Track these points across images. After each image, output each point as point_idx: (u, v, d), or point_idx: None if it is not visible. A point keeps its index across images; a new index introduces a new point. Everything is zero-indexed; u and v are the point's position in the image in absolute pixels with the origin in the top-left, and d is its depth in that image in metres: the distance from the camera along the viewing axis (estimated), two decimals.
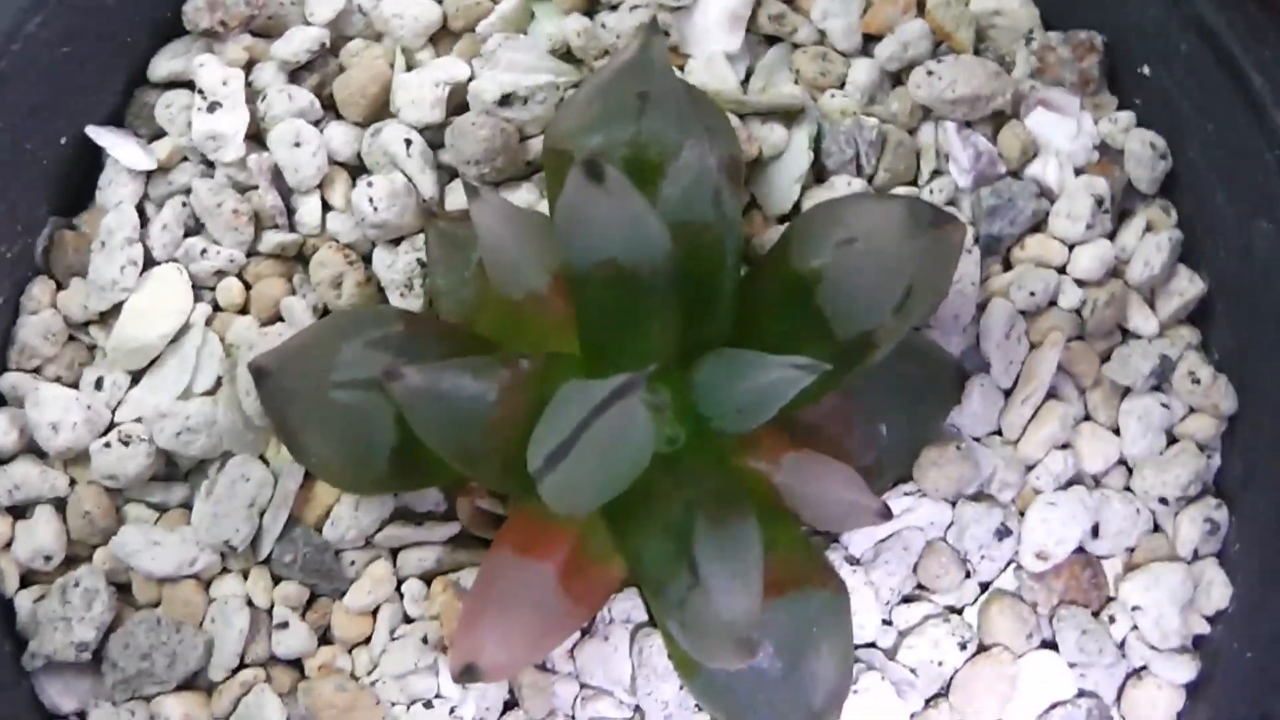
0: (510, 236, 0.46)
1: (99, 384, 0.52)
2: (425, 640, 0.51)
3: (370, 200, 0.51)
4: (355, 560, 0.51)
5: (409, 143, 0.52)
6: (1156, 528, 0.52)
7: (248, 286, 0.53)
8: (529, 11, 0.55)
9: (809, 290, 0.46)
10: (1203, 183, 0.52)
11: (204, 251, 0.52)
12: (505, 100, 0.52)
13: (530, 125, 0.53)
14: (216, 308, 0.53)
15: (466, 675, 0.45)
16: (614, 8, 0.54)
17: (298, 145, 0.52)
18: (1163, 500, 0.51)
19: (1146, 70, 0.53)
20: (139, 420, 0.52)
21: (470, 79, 0.53)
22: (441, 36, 0.55)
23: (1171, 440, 0.53)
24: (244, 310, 0.53)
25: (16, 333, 0.52)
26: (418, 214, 0.52)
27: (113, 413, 0.52)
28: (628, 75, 0.48)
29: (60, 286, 0.53)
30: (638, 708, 0.51)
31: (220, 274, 0.53)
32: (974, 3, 0.54)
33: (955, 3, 0.53)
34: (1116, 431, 0.53)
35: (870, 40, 0.54)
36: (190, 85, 0.53)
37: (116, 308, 0.52)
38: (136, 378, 0.53)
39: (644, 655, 0.51)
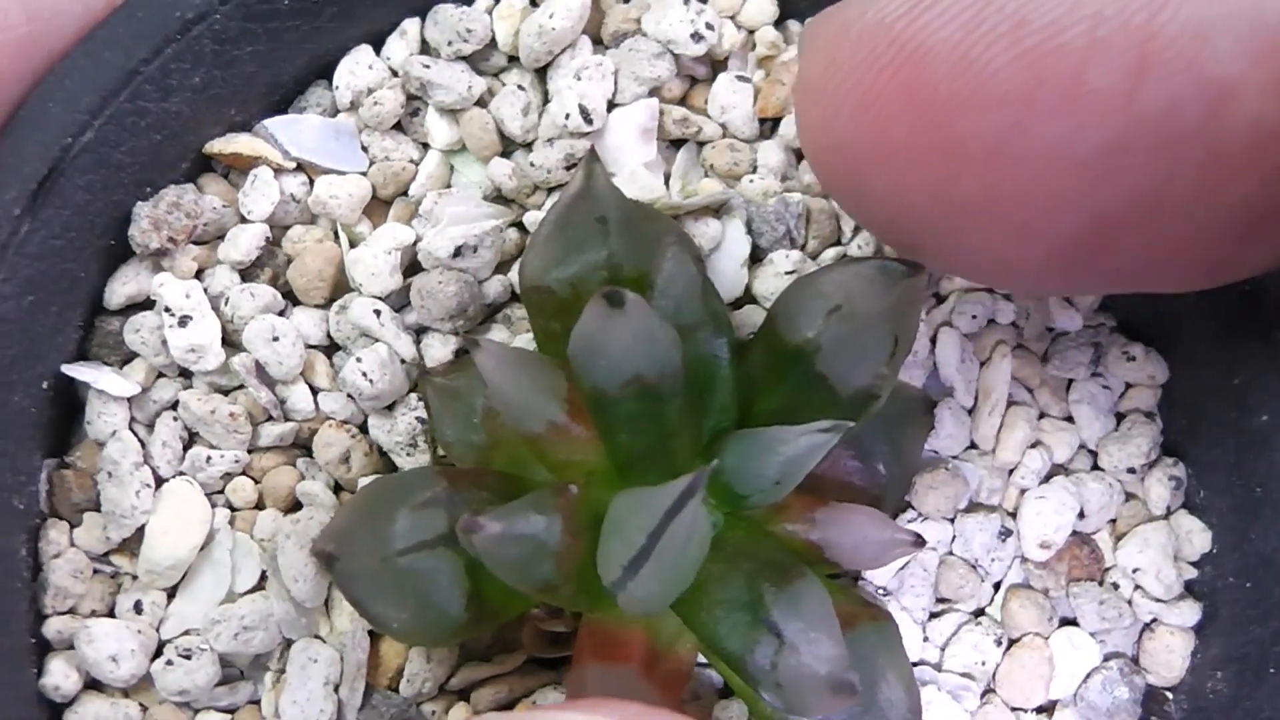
0: (518, 376, 0.49)
1: (138, 607, 0.53)
2: None
3: (365, 375, 0.53)
4: (435, 710, 0.54)
5: (378, 313, 0.55)
6: (1129, 496, 0.58)
7: (255, 481, 0.55)
8: (449, 166, 0.58)
9: (808, 360, 0.50)
10: None
11: (208, 459, 0.54)
12: (458, 253, 0.55)
13: (482, 270, 0.56)
14: (232, 508, 0.55)
15: None
16: (527, 146, 0.57)
17: (276, 339, 0.54)
18: (1130, 470, 0.57)
19: None
20: (187, 633, 0.54)
21: (416, 240, 0.56)
22: (372, 207, 0.58)
23: (1119, 416, 0.58)
24: (259, 505, 0.55)
25: (47, 579, 0.53)
26: (404, 376, 0.55)
27: (158, 632, 0.54)
28: (581, 204, 0.52)
29: (72, 525, 0.55)
30: None
31: (227, 476, 0.55)
32: None
33: None
34: (1069, 419, 0.58)
35: (765, 123, 0.59)
36: (144, 306, 0.55)
37: (138, 532, 0.54)
38: (171, 593, 0.54)
39: None
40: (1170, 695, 0.57)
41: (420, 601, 0.50)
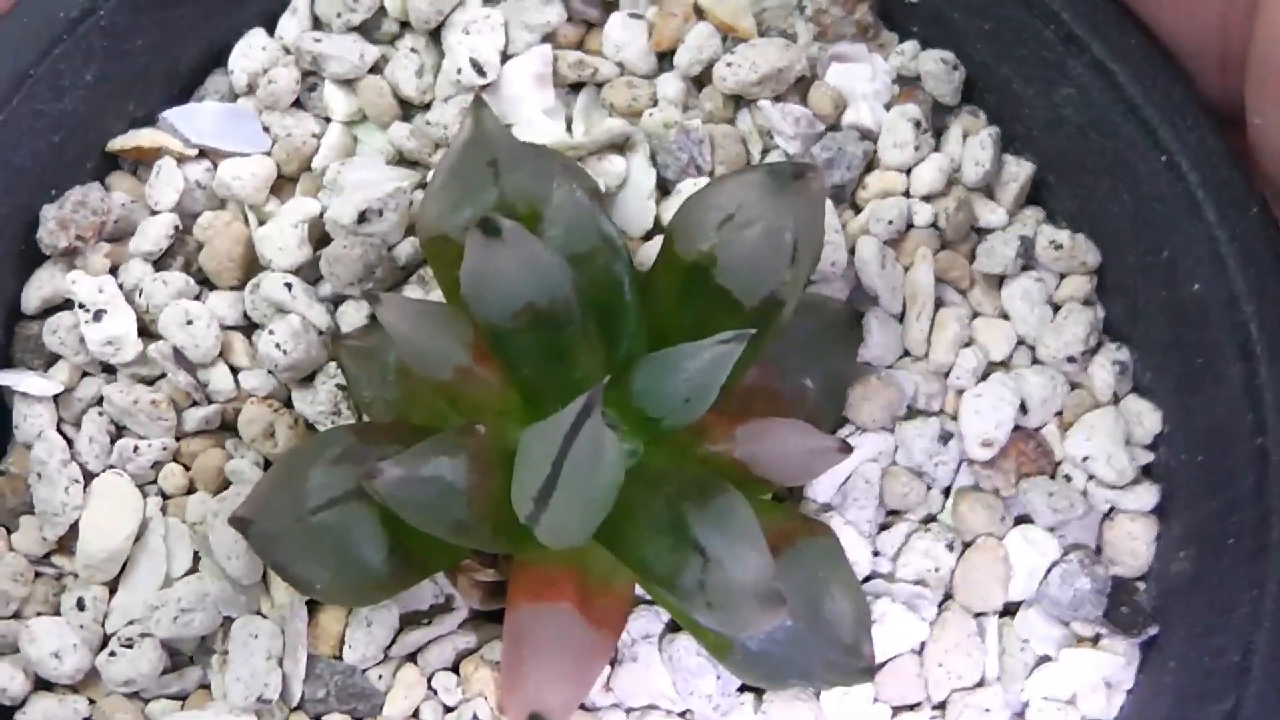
0: (422, 325, 0.48)
1: (80, 604, 0.53)
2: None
3: (278, 346, 0.53)
4: (381, 674, 0.53)
5: (289, 286, 0.54)
6: (1074, 386, 0.56)
7: (186, 467, 0.55)
8: (352, 137, 0.58)
9: (706, 274, 0.49)
10: (997, 77, 0.57)
11: (135, 449, 0.54)
12: (363, 218, 0.54)
13: (391, 234, 0.55)
14: (164, 496, 0.55)
15: None
16: (426, 107, 0.57)
17: (190, 323, 0.54)
18: (1070, 359, 0.55)
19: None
20: (132, 624, 0.53)
21: (323, 211, 0.56)
22: (279, 186, 0.57)
23: (1056, 308, 0.57)
24: (190, 489, 0.55)
25: None
26: (321, 346, 0.55)
27: (103, 626, 0.54)
28: (472, 150, 0.52)
29: (9, 530, 0.55)
30: (685, 711, 0.54)
31: (156, 465, 0.55)
32: None
33: None
34: (1005, 316, 0.57)
35: (662, 57, 0.58)
36: (63, 306, 0.55)
37: (73, 529, 0.54)
38: (113, 587, 0.54)
39: (675, 660, 0.53)
40: (1142, 585, 0.55)
41: (340, 558, 0.49)
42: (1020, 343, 0.57)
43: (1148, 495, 0.55)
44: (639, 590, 0.54)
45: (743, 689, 0.54)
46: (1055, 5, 0.54)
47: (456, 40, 0.57)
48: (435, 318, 0.50)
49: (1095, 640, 0.55)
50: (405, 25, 0.58)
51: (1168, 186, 0.53)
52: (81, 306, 0.54)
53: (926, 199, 0.56)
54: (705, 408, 0.48)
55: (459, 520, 0.47)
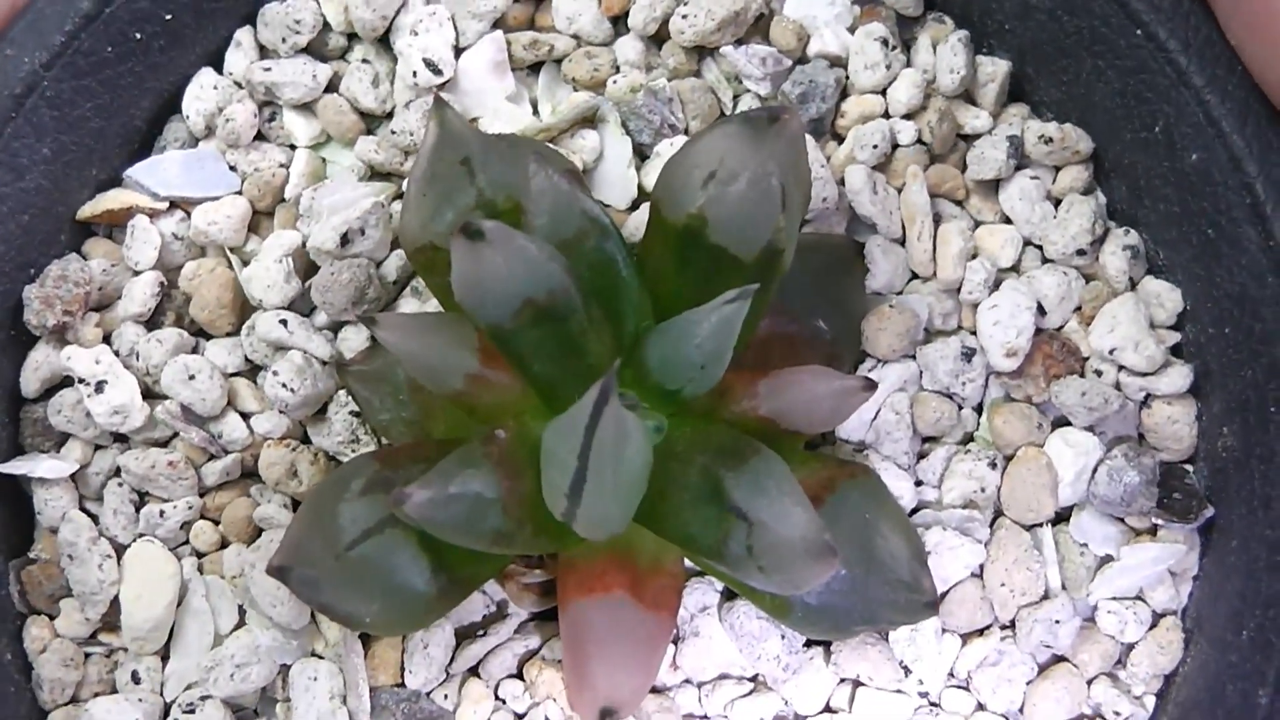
0: (425, 340, 0.48)
1: (135, 678, 0.53)
2: None
3: (284, 385, 0.53)
4: (447, 694, 0.53)
5: (285, 322, 0.53)
6: (1088, 278, 0.55)
7: (215, 522, 0.54)
8: (320, 159, 0.57)
9: (699, 235, 0.48)
10: None
11: (162, 513, 0.54)
12: (346, 240, 0.53)
13: (376, 250, 0.54)
14: (199, 554, 0.54)
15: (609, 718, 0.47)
16: (388, 116, 0.56)
17: (192, 378, 0.53)
18: (1079, 252, 0.54)
19: None
20: (190, 687, 0.53)
21: (305, 240, 0.55)
22: (257, 223, 0.57)
23: (1056, 202, 0.56)
24: (223, 544, 0.54)
25: (39, 675, 0.53)
26: (327, 376, 0.54)
27: (161, 695, 0.53)
28: (441, 152, 0.51)
29: (52, 616, 0.54)
30: (756, 675, 0.53)
31: (185, 525, 0.54)
32: None
33: None
34: (1008, 221, 0.56)
35: (616, 21, 0.57)
36: (64, 384, 0.55)
37: (114, 605, 0.53)
38: (165, 655, 0.54)
39: (737, 627, 0.53)
40: (1190, 468, 0.55)
41: (384, 588, 0.48)
42: (1027, 244, 0.55)
43: (1181, 376, 0.54)
44: (690, 563, 0.53)
45: (810, 643, 0.54)
46: None
47: (406, 43, 0.55)
48: (436, 329, 0.49)
49: (1153, 532, 0.54)
50: (352, 37, 0.57)
51: (1149, 58, 0.52)
52: (82, 381, 0.53)
53: (907, 116, 0.55)
54: (722, 371, 0.47)
55: (497, 530, 0.46)
